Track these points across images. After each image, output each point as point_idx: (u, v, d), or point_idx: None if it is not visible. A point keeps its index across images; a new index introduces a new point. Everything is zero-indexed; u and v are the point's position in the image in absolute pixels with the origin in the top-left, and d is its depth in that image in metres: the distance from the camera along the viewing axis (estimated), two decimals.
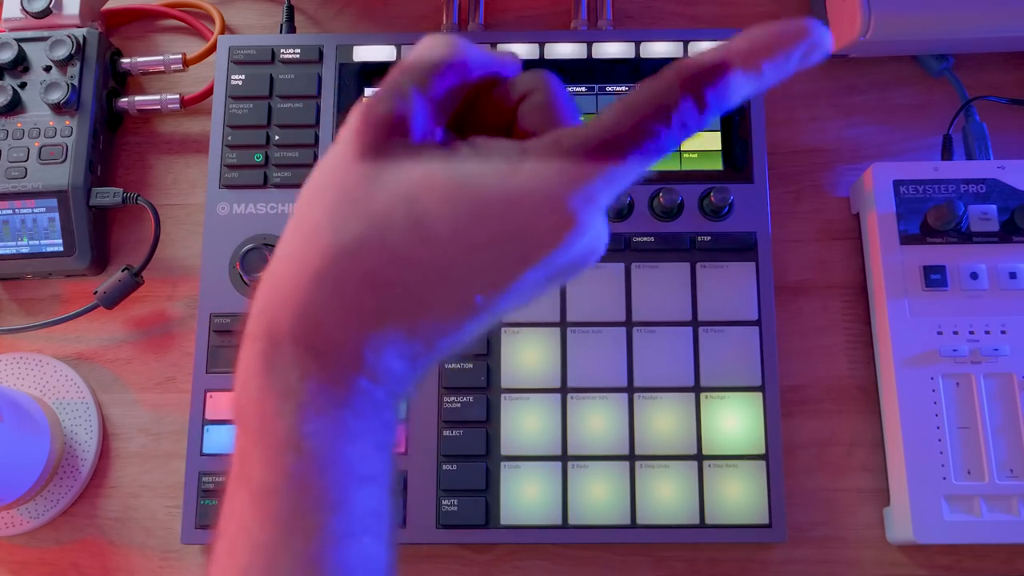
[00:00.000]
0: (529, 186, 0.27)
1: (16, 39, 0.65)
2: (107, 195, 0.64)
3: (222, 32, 0.70)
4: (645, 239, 0.60)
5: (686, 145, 0.62)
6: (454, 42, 0.31)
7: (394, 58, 0.64)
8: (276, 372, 0.28)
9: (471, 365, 0.59)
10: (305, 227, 0.29)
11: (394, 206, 0.28)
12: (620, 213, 0.61)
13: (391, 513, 0.30)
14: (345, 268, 0.28)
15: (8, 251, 0.63)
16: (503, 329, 0.59)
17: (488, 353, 0.59)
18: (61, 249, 0.63)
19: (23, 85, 0.65)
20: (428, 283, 0.28)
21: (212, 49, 0.68)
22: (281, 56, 0.65)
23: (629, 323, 0.59)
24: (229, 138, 0.63)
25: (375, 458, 0.29)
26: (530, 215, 0.27)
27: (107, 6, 0.70)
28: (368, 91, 0.64)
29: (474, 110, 0.32)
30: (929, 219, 0.59)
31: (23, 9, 0.67)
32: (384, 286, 0.28)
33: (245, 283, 0.61)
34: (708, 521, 0.56)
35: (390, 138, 0.29)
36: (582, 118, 0.31)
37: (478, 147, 0.29)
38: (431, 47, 0.31)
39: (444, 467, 0.58)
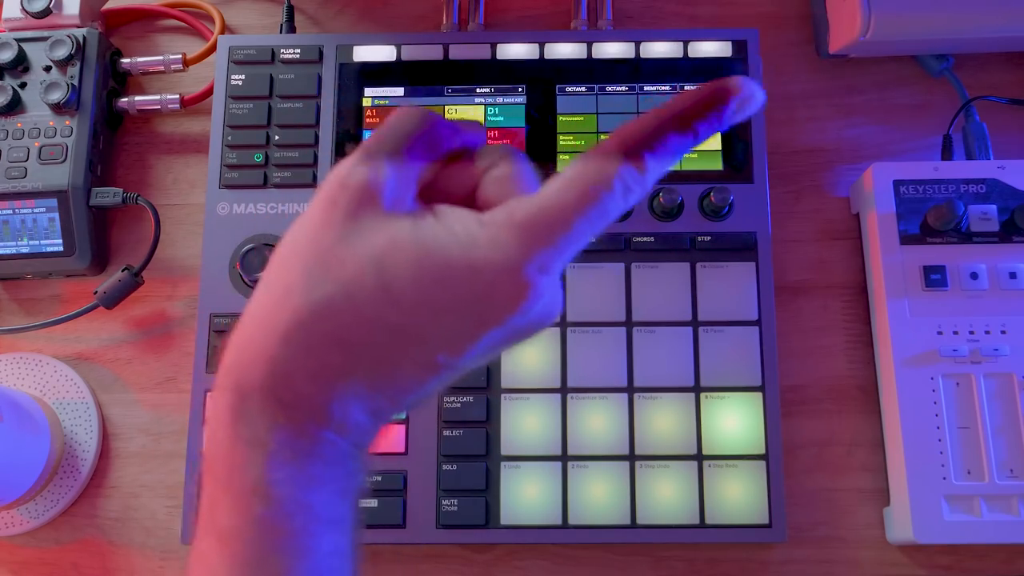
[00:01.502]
0: (487, 256, 0.29)
1: (16, 39, 0.65)
2: (107, 195, 0.64)
3: (222, 32, 0.70)
4: (645, 239, 0.60)
5: None
6: (425, 115, 0.33)
7: (394, 58, 0.64)
8: (245, 423, 0.30)
9: None
10: (278, 287, 0.30)
11: (364, 270, 0.29)
12: None
13: (355, 554, 0.31)
14: (315, 327, 0.29)
15: (8, 251, 0.63)
16: None
17: None
18: (61, 249, 0.63)
19: (23, 85, 0.65)
20: (393, 343, 0.30)
21: (212, 49, 0.68)
22: (281, 56, 0.65)
23: (629, 323, 0.59)
24: (229, 138, 0.63)
25: (340, 504, 0.30)
26: (489, 283, 0.29)
27: (107, 6, 0.70)
28: (367, 89, 0.64)
29: (441, 177, 0.34)
30: (929, 219, 0.59)
31: (23, 9, 0.67)
32: (352, 345, 0.29)
33: (245, 283, 0.61)
34: (708, 521, 0.56)
35: (362, 205, 0.31)
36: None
37: (443, 216, 0.31)
38: (404, 119, 0.33)
39: (444, 467, 0.58)
